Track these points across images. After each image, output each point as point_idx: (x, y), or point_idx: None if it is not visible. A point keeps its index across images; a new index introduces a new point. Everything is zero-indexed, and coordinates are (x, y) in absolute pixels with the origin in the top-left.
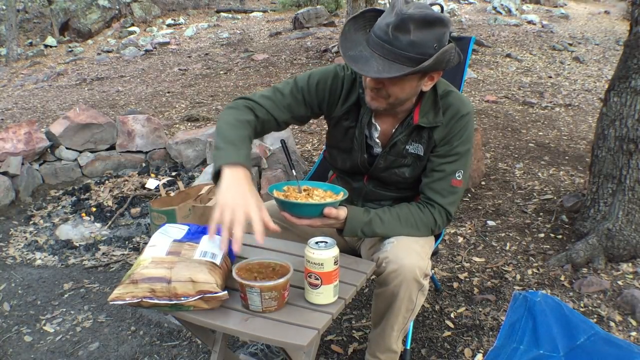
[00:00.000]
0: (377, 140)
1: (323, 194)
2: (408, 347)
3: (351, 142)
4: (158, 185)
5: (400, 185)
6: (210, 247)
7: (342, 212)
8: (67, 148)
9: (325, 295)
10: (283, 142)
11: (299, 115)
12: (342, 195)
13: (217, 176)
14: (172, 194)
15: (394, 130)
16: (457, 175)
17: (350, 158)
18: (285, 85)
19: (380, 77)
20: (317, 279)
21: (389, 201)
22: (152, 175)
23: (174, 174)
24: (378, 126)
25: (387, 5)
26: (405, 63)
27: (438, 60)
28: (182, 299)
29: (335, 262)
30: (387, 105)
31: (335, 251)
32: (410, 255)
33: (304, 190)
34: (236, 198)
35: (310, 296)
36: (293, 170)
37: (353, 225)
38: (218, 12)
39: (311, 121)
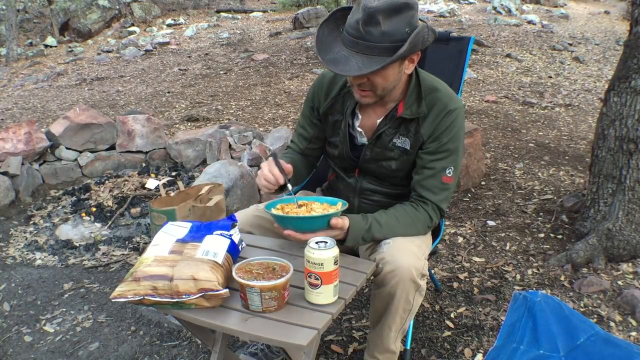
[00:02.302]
0: (359, 129)
1: (321, 207)
2: (408, 347)
3: (339, 134)
4: (158, 185)
5: (391, 180)
6: (213, 246)
7: (346, 222)
8: (67, 148)
9: (325, 295)
10: (274, 155)
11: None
12: (340, 205)
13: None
14: (172, 194)
15: (379, 122)
16: (447, 172)
17: (338, 150)
18: (301, 117)
19: (362, 74)
20: (317, 279)
21: (383, 197)
22: (152, 175)
23: (174, 174)
24: (359, 114)
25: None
26: (383, 54)
27: (413, 44)
28: (184, 296)
29: (335, 262)
30: (377, 97)
31: (335, 251)
32: (406, 255)
33: (301, 205)
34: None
35: (310, 296)
36: (289, 185)
37: (355, 234)
38: (218, 12)
39: None
